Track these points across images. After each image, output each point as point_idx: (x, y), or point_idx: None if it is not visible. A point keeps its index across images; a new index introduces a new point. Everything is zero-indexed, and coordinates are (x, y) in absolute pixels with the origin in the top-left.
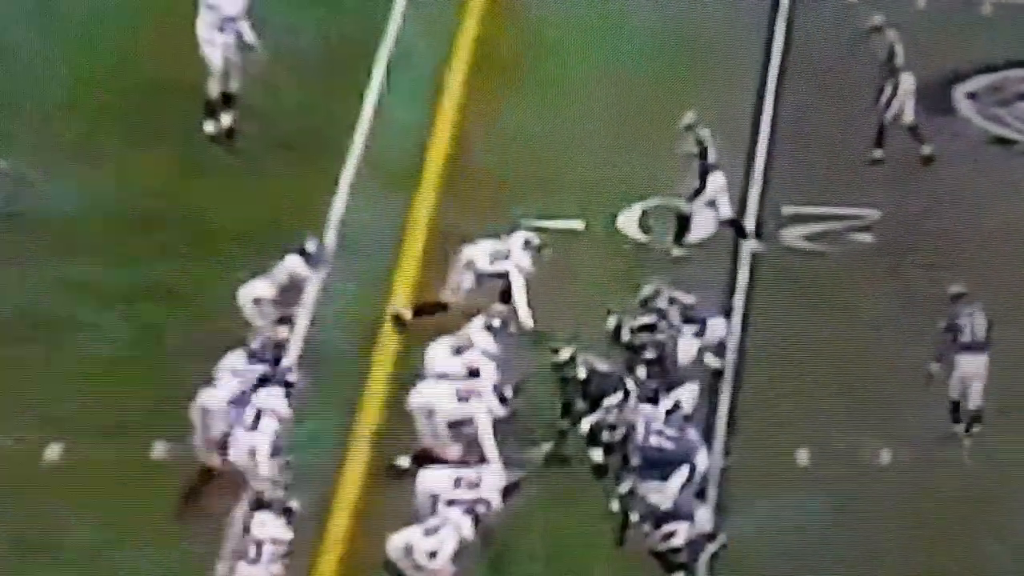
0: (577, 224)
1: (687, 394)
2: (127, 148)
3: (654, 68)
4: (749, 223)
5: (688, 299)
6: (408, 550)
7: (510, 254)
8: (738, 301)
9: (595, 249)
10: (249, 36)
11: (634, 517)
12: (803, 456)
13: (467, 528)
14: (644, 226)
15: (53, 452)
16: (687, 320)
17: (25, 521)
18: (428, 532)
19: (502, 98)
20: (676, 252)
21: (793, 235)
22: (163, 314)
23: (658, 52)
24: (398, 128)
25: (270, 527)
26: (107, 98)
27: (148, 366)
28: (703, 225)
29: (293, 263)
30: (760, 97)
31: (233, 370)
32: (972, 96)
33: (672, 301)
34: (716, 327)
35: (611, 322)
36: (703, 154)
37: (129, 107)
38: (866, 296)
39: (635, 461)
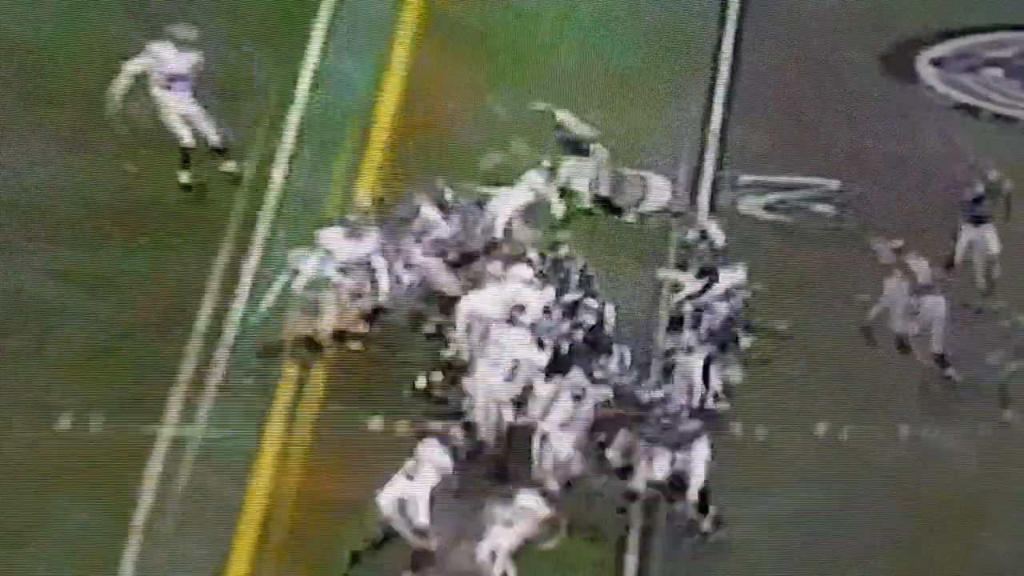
0: None
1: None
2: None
3: (610, 37)
4: (704, 192)
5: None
6: (401, 505)
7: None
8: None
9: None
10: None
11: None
12: (761, 433)
13: (445, 461)
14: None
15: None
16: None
17: None
18: (409, 476)
19: (452, 64)
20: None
21: (751, 205)
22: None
23: (613, 22)
24: (343, 92)
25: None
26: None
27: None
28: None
29: (427, 211)
30: (715, 62)
31: None
32: (937, 63)
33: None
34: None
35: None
36: (568, 134)
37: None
38: (825, 266)
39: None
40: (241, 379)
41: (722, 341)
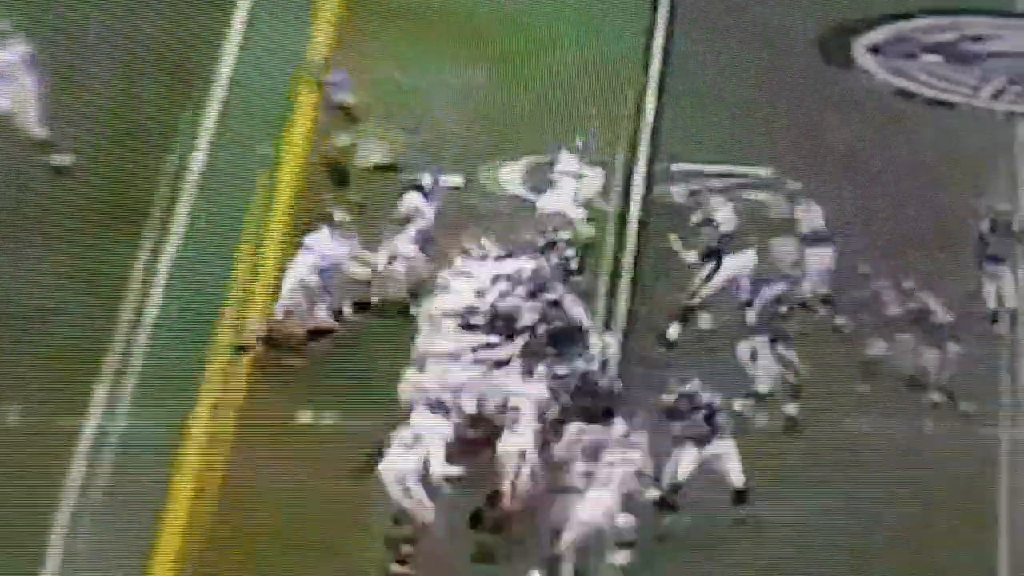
0: (456, 179)
1: None
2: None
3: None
4: (638, 180)
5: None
6: (402, 478)
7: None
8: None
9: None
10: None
11: None
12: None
13: (445, 426)
14: (527, 183)
15: None
16: None
17: None
18: (408, 447)
19: (377, 42)
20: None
21: (683, 193)
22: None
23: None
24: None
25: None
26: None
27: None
28: None
29: (413, 199)
30: (648, 51)
31: None
32: (875, 49)
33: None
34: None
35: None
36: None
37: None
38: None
39: None
40: (165, 371)
41: (776, 327)
